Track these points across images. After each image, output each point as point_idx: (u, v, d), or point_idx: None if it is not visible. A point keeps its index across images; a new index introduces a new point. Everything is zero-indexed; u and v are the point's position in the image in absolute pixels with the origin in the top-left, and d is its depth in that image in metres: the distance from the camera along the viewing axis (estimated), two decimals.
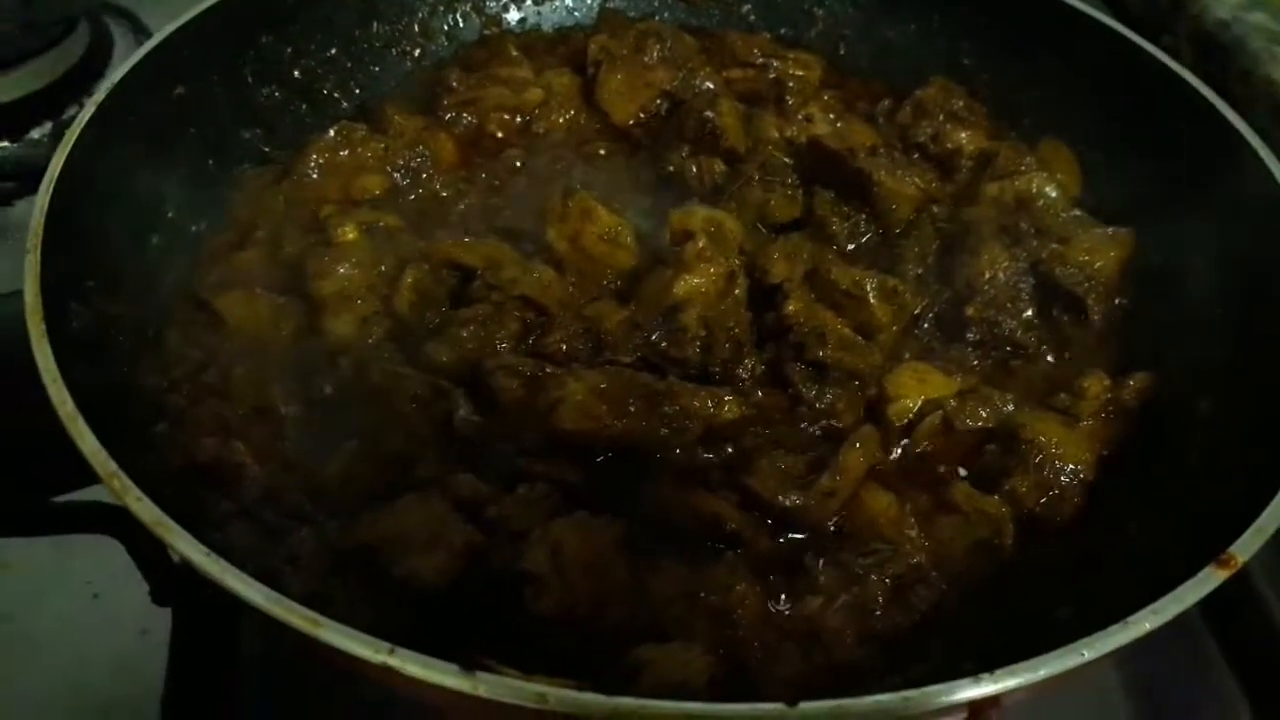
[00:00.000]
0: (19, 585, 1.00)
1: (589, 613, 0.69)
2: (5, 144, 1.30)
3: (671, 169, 1.09)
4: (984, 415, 0.85)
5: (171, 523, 0.62)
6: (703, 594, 0.71)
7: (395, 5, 1.20)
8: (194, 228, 0.97)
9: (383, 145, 1.06)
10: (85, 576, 1.00)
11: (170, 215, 0.96)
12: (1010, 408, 0.85)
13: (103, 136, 0.89)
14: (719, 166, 1.07)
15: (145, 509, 0.62)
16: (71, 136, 0.85)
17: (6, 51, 1.30)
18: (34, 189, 1.24)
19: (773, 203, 1.03)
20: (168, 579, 0.89)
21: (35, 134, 1.33)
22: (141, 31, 1.50)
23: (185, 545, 0.61)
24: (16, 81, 1.31)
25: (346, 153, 1.05)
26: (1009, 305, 0.94)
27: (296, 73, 1.12)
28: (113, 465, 0.64)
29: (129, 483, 0.63)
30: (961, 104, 1.15)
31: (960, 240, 0.98)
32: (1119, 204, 1.08)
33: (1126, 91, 1.12)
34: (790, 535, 0.78)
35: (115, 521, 0.85)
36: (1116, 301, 0.99)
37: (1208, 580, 0.64)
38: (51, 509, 0.85)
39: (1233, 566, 0.65)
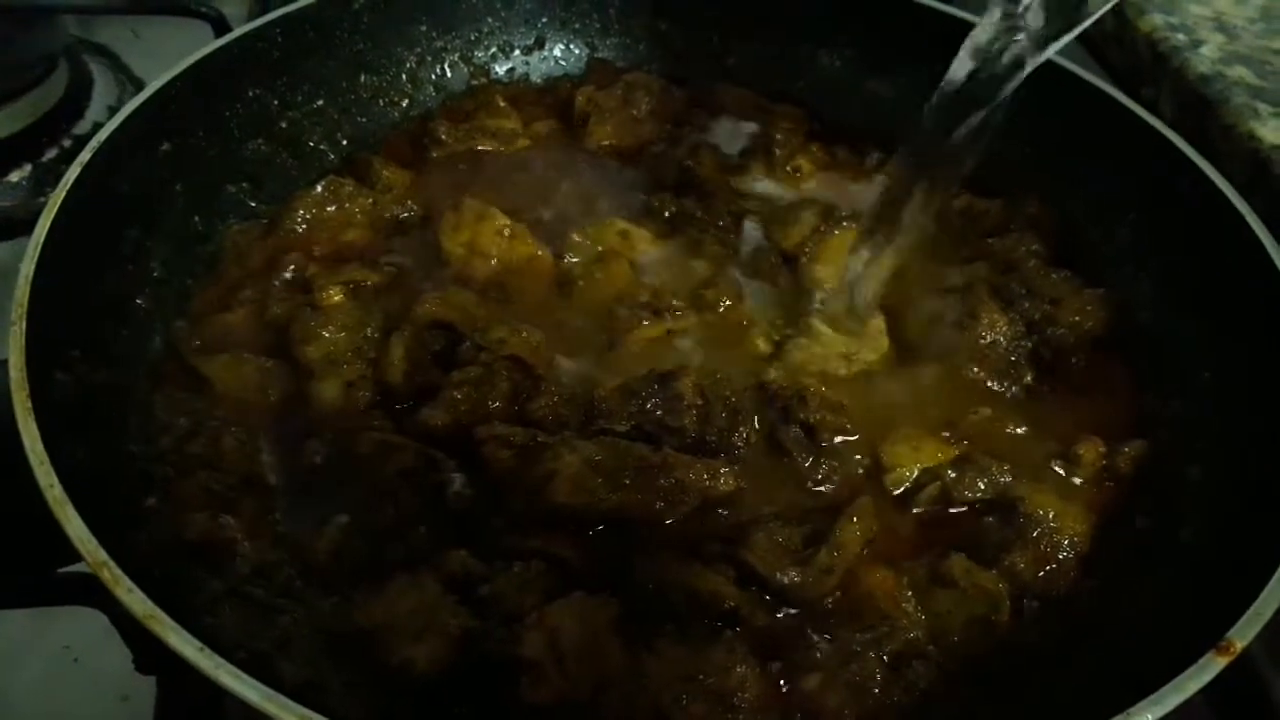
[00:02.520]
0: None
1: (587, 699, 0.69)
2: None
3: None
4: (981, 487, 0.85)
5: (164, 616, 0.60)
6: (701, 676, 0.70)
7: (384, 56, 1.19)
8: (180, 287, 0.95)
9: (370, 200, 1.05)
10: (65, 640, 0.99)
11: (155, 274, 0.94)
12: (1008, 479, 0.85)
13: (88, 198, 0.87)
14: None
15: (136, 601, 0.61)
16: (56, 200, 0.84)
17: None
18: (12, 234, 1.25)
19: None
20: (151, 647, 0.88)
21: (14, 176, 1.31)
22: (122, 71, 1.49)
23: (178, 640, 0.60)
24: None
25: (334, 208, 1.04)
26: (1010, 371, 0.95)
27: (283, 124, 1.10)
28: (102, 554, 0.63)
29: (119, 573, 0.62)
30: None
31: (949, 307, 0.99)
32: (1105, 262, 1.09)
33: (1108, 147, 1.13)
34: (788, 610, 0.78)
35: (99, 593, 0.83)
36: (1104, 363, 1.00)
37: (1208, 668, 0.65)
38: (33, 581, 0.82)
39: (1232, 653, 0.66)
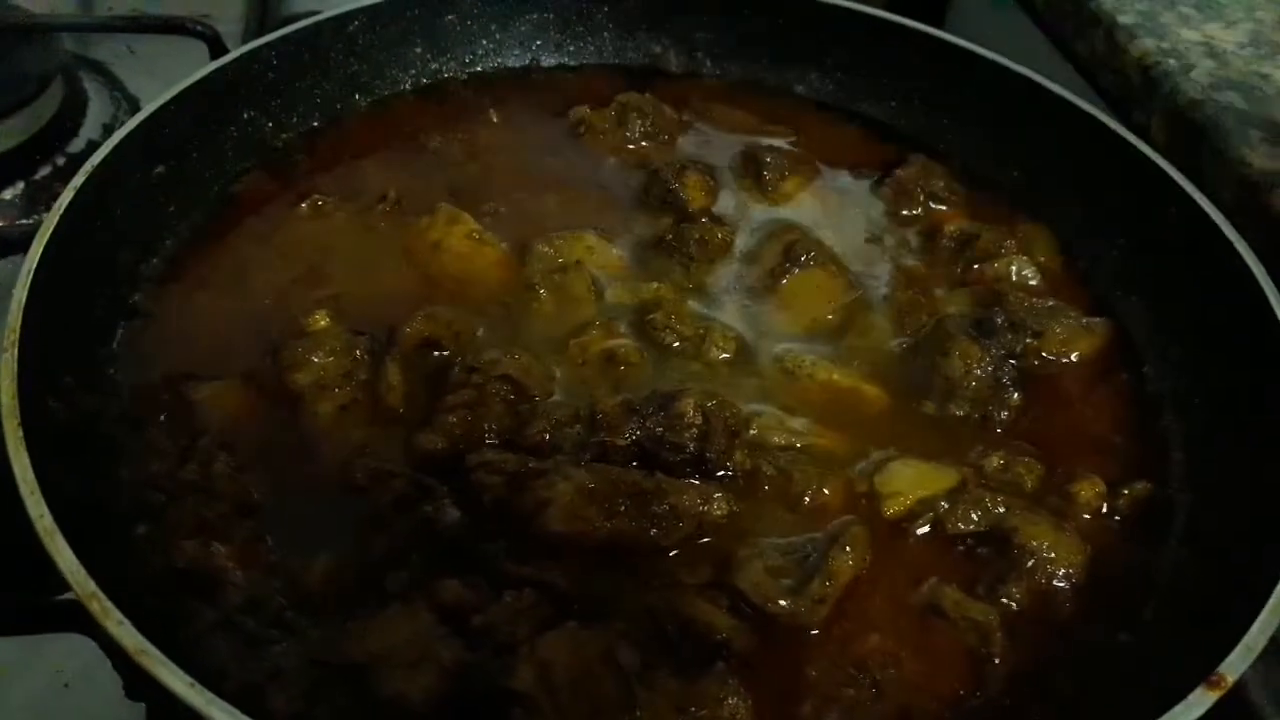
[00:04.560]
0: None
1: None
2: None
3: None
4: (975, 519, 0.84)
5: (154, 650, 0.60)
6: (694, 708, 0.70)
7: (378, 78, 1.19)
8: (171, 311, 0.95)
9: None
10: (55, 665, 0.98)
11: (146, 299, 0.94)
12: (1002, 510, 0.85)
13: (82, 221, 0.88)
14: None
15: (126, 635, 0.61)
16: (50, 224, 0.84)
17: None
18: (4, 252, 1.25)
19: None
20: (141, 673, 0.88)
21: (7, 194, 1.31)
22: (117, 88, 1.49)
23: (168, 675, 0.60)
24: None
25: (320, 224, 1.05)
26: (996, 397, 0.95)
27: (278, 145, 1.10)
28: (92, 586, 0.63)
29: (109, 605, 0.62)
30: (942, 184, 1.17)
31: (930, 338, 0.99)
32: (1095, 288, 1.09)
33: (1098, 172, 1.14)
34: (780, 638, 0.78)
35: (90, 621, 0.83)
36: (1096, 390, 1.00)
37: (1199, 702, 0.65)
38: (23, 609, 0.82)
39: (1223, 686, 0.66)
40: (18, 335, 0.76)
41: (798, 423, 0.92)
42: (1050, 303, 1.04)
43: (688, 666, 0.73)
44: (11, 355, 0.74)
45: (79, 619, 0.83)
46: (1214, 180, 1.18)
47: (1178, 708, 0.64)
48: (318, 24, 1.11)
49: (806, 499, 0.86)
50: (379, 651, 0.69)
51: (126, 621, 0.61)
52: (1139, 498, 0.89)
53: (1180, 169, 1.06)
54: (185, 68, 1.41)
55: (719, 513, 0.83)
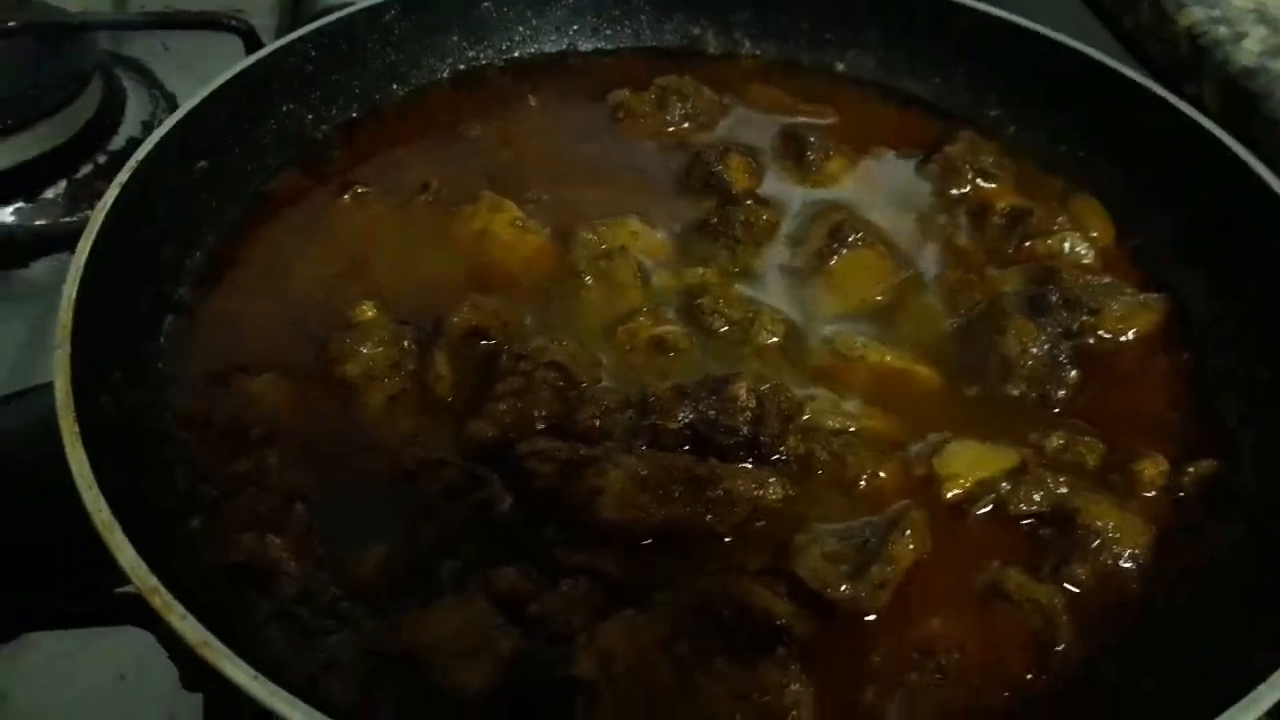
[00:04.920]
0: (42, 666, 0.98)
1: (642, 717, 0.67)
2: (21, 204, 1.29)
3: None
4: (1037, 499, 0.83)
5: (217, 643, 0.60)
6: (754, 695, 0.69)
7: (415, 67, 1.18)
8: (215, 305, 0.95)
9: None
10: (111, 658, 0.99)
11: (191, 294, 0.94)
12: (1064, 490, 0.83)
13: (126, 218, 0.87)
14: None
15: (189, 628, 0.61)
16: (96, 221, 0.84)
17: (20, 111, 1.28)
18: (48, 250, 1.26)
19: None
20: (198, 665, 0.88)
21: (50, 193, 1.31)
22: (154, 85, 1.49)
23: (231, 667, 0.59)
24: (30, 140, 1.30)
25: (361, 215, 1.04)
26: (1053, 375, 0.93)
27: (317, 137, 1.10)
28: (153, 580, 0.62)
29: (171, 599, 0.62)
30: (991, 160, 1.14)
31: (983, 318, 0.97)
32: (1152, 263, 1.07)
33: (1152, 143, 1.11)
34: (839, 624, 0.76)
35: (147, 614, 0.83)
36: (1156, 367, 0.98)
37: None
38: (82, 603, 0.82)
39: None
40: (69, 331, 0.76)
41: (850, 405, 0.91)
42: (1106, 279, 1.02)
43: (746, 653, 0.72)
44: (64, 351, 0.74)
45: (137, 612, 0.84)
46: (1270, 149, 1.16)
47: (1261, 687, 0.62)
48: (353, 15, 1.11)
49: (862, 483, 0.85)
50: (435, 641, 0.69)
51: (189, 615, 0.61)
52: (1203, 476, 0.87)
53: (1235, 139, 1.03)
54: (220, 63, 1.41)
55: (774, 497, 0.82)
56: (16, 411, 0.81)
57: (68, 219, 1.29)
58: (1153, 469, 0.87)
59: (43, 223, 1.28)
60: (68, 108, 1.33)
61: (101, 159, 1.36)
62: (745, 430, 0.85)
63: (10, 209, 1.28)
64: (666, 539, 0.79)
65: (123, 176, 0.88)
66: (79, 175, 1.33)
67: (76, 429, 0.70)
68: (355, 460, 0.83)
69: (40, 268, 1.26)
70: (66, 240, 1.25)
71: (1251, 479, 0.87)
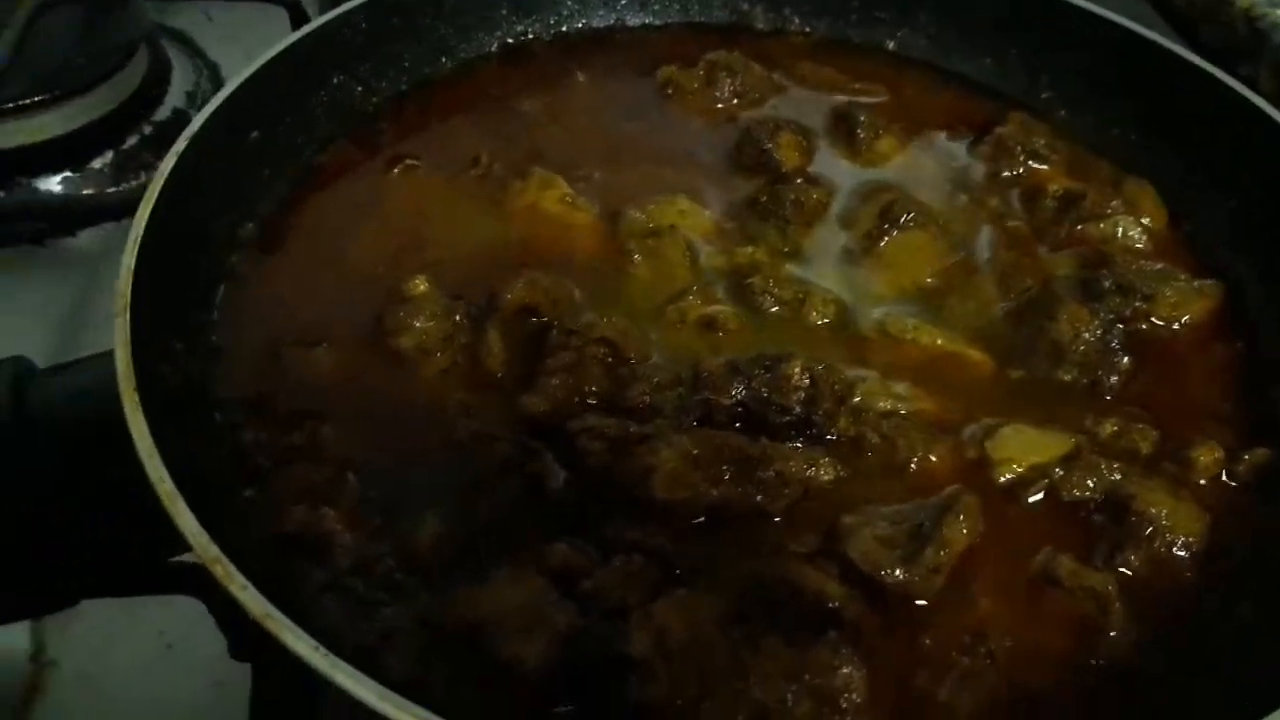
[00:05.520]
0: (90, 634, 0.99)
1: (693, 698, 0.68)
2: (68, 174, 1.30)
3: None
4: (1090, 485, 0.82)
5: (280, 615, 0.60)
6: (807, 676, 0.69)
7: (465, 40, 1.18)
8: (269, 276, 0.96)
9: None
10: (158, 626, 1.00)
11: (244, 264, 0.94)
12: (1118, 476, 0.82)
13: (182, 188, 0.87)
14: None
15: (251, 599, 0.61)
16: (154, 190, 0.84)
17: (69, 80, 1.29)
18: (95, 220, 1.26)
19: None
20: (247, 634, 0.89)
21: (97, 164, 1.32)
22: (198, 55, 1.50)
23: (293, 639, 0.60)
24: (78, 110, 1.31)
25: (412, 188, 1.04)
26: (1106, 361, 0.92)
27: (368, 109, 1.10)
28: (215, 550, 0.63)
29: (233, 570, 0.62)
30: (1043, 141, 1.13)
31: (1035, 302, 0.96)
32: (1206, 248, 1.06)
33: (1206, 127, 1.10)
34: (891, 607, 0.76)
35: (201, 583, 0.84)
36: (1210, 353, 0.97)
37: None
38: (138, 571, 0.83)
39: None
40: (128, 300, 0.76)
41: (901, 388, 0.90)
42: (1159, 265, 1.01)
43: (798, 635, 0.72)
44: (124, 319, 0.74)
45: (191, 581, 0.85)
46: None
47: None
48: None
49: (913, 465, 0.84)
50: (492, 616, 0.69)
51: (250, 586, 0.61)
52: (1259, 464, 0.86)
53: None
54: (264, 34, 1.42)
55: (826, 478, 0.81)
56: (71, 379, 0.81)
57: (114, 189, 1.30)
58: (1208, 456, 0.86)
59: (89, 192, 1.29)
60: (114, 78, 1.34)
61: (147, 129, 1.36)
62: (798, 409, 0.84)
63: (58, 179, 1.29)
64: (718, 518, 0.79)
65: (180, 145, 0.88)
66: (125, 146, 1.34)
67: (137, 397, 0.70)
68: (408, 433, 0.83)
69: (87, 237, 1.27)
70: (113, 210, 1.26)
71: None
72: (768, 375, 0.85)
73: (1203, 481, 0.86)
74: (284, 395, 0.84)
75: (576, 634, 0.69)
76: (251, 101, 0.97)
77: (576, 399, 0.86)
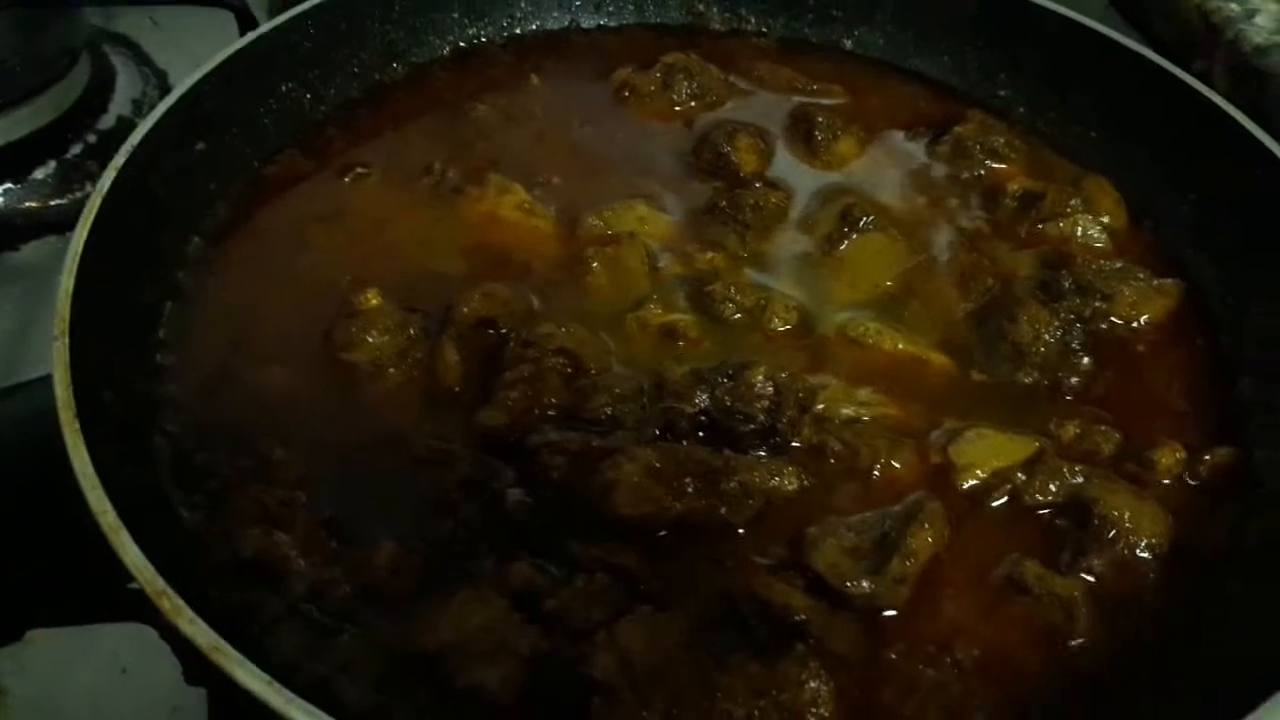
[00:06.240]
0: (44, 659, 0.96)
1: (661, 716, 0.66)
2: (9, 186, 1.26)
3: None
4: (1053, 490, 0.82)
5: (230, 649, 0.59)
6: (774, 692, 0.68)
7: (416, 44, 1.16)
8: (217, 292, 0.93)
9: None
10: (113, 650, 0.97)
11: (191, 280, 0.92)
12: (1080, 479, 0.82)
13: (124, 202, 0.85)
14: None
15: (200, 633, 0.59)
16: (93, 208, 0.81)
17: (8, 90, 1.25)
18: (39, 233, 1.23)
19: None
20: (203, 660, 0.86)
21: (39, 174, 1.28)
22: (144, 62, 1.46)
23: (244, 674, 0.58)
24: (18, 120, 1.26)
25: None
26: (1067, 362, 0.92)
27: (318, 117, 1.08)
28: (161, 583, 0.61)
29: (180, 603, 0.60)
30: (1002, 140, 1.13)
31: (995, 303, 0.96)
32: (1165, 245, 1.06)
33: (1162, 123, 1.10)
34: (857, 619, 0.75)
35: (152, 609, 0.81)
36: (1170, 351, 0.97)
37: None
38: (85, 600, 0.81)
39: None
40: (67, 324, 0.74)
41: (863, 393, 0.89)
42: (1118, 264, 1.01)
43: (765, 649, 0.71)
44: (63, 344, 0.72)
45: (143, 608, 0.82)
46: None
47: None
48: None
49: (876, 472, 0.84)
50: (453, 640, 0.68)
51: (199, 620, 0.59)
52: (1220, 464, 0.86)
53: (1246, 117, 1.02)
54: (211, 38, 1.38)
55: (790, 488, 0.81)
56: (13, 405, 0.79)
57: (58, 201, 1.26)
58: (1169, 457, 0.86)
59: (32, 204, 1.24)
60: (56, 86, 1.29)
61: (91, 138, 1.32)
62: (762, 418, 0.83)
63: None
64: (682, 531, 0.78)
65: (119, 160, 0.85)
66: (69, 155, 1.30)
67: (77, 425, 0.68)
68: (363, 452, 0.81)
69: (30, 250, 1.23)
70: (57, 222, 1.22)
71: (1268, 466, 0.86)
72: (731, 384, 0.84)
73: (1165, 482, 0.86)
74: (234, 415, 0.82)
75: (539, 657, 0.68)
76: (196, 111, 0.95)
77: (536, 411, 0.84)
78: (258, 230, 0.98)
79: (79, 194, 1.27)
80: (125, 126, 1.34)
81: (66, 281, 0.76)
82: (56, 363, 0.71)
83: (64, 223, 1.20)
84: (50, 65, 1.29)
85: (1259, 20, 1.25)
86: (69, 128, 1.31)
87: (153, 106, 1.37)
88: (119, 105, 1.37)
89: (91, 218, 0.81)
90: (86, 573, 0.78)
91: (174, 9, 1.48)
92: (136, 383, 0.81)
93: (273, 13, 1.39)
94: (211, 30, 1.43)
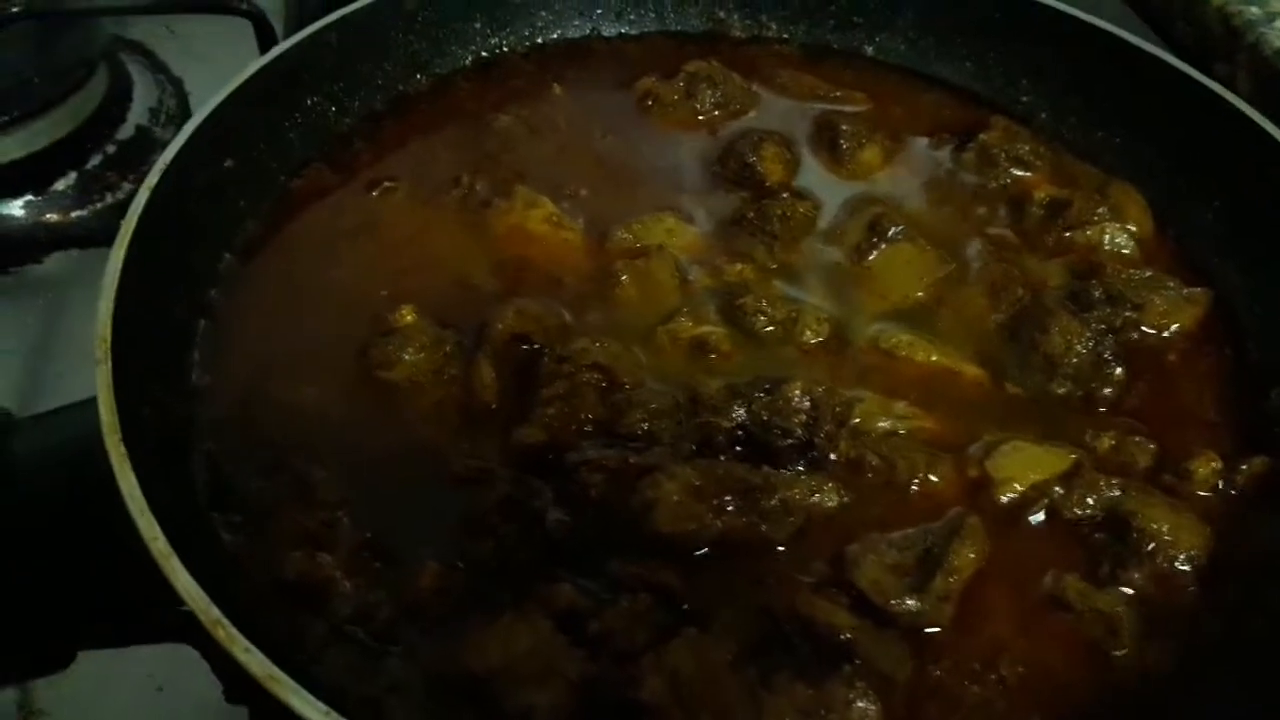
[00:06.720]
0: (80, 677, 0.96)
1: None
2: (30, 197, 1.26)
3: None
4: (1091, 503, 0.82)
5: (284, 677, 0.59)
6: (822, 712, 0.68)
7: (439, 55, 1.15)
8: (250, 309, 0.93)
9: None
10: (149, 669, 0.97)
11: (224, 298, 0.92)
12: (1117, 492, 0.82)
13: (156, 221, 0.84)
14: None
15: (255, 662, 0.59)
16: (129, 228, 0.81)
17: (26, 101, 1.24)
18: (60, 245, 1.22)
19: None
20: (243, 676, 0.86)
21: (60, 185, 1.28)
22: (160, 70, 1.45)
23: (300, 703, 0.58)
24: (37, 132, 1.26)
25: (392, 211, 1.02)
26: (1099, 373, 0.92)
27: (342, 130, 1.07)
28: (216, 612, 0.61)
29: (235, 633, 0.60)
30: (1026, 148, 1.12)
31: (1026, 314, 0.96)
32: (1193, 252, 1.06)
33: (1186, 127, 1.10)
34: (902, 636, 0.75)
35: (195, 631, 0.81)
36: (1202, 360, 0.97)
37: None
38: (130, 624, 0.80)
39: None
40: (109, 346, 0.73)
41: (899, 406, 0.89)
42: (1148, 273, 1.01)
43: (811, 669, 0.71)
44: (106, 367, 0.72)
45: (189, 631, 0.82)
46: None
47: None
48: (375, 3, 1.07)
49: (915, 486, 0.84)
50: (501, 664, 0.68)
51: (254, 649, 0.59)
52: (1257, 473, 0.86)
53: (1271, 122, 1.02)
54: (227, 46, 1.38)
55: (830, 504, 0.81)
56: (54, 429, 0.79)
57: (79, 212, 1.26)
58: (1205, 467, 0.86)
59: (54, 217, 1.24)
60: (74, 96, 1.29)
61: (111, 149, 1.32)
62: (800, 432, 0.83)
63: (19, 202, 1.24)
64: (722, 549, 0.78)
65: (152, 179, 0.85)
66: (88, 166, 1.29)
67: (124, 449, 0.68)
68: (403, 471, 0.81)
69: (52, 262, 1.23)
70: (78, 234, 1.22)
71: None
72: (768, 398, 0.84)
73: (1202, 493, 0.86)
74: (271, 435, 0.82)
75: (588, 681, 0.68)
76: (223, 128, 0.94)
77: (573, 427, 0.84)
78: (288, 246, 0.98)
79: (99, 205, 1.27)
80: (144, 136, 1.34)
81: (105, 304, 0.76)
82: (100, 386, 0.71)
83: (86, 236, 1.21)
84: (68, 76, 1.29)
85: (1279, 23, 1.25)
86: (88, 138, 1.31)
87: (170, 115, 1.39)
88: (137, 114, 1.37)
89: (128, 238, 0.80)
90: (131, 595, 0.79)
91: (190, 16, 1.47)
92: (174, 404, 0.81)
93: (289, 19, 1.39)
94: (228, 37, 1.42)
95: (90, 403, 0.71)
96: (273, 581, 0.73)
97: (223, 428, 0.82)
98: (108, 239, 0.82)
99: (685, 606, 0.74)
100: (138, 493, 0.65)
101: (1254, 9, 1.28)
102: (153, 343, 0.82)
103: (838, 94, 1.20)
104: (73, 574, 0.76)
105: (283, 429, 0.83)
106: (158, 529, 0.64)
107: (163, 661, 0.95)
